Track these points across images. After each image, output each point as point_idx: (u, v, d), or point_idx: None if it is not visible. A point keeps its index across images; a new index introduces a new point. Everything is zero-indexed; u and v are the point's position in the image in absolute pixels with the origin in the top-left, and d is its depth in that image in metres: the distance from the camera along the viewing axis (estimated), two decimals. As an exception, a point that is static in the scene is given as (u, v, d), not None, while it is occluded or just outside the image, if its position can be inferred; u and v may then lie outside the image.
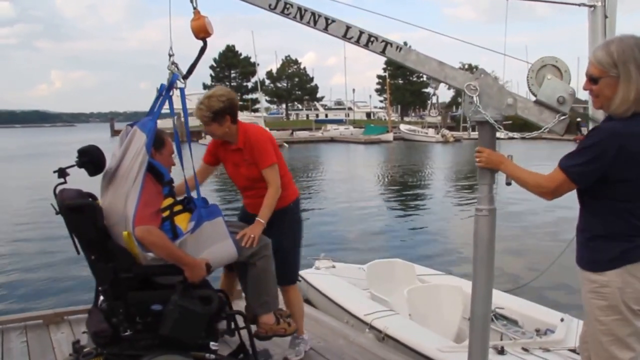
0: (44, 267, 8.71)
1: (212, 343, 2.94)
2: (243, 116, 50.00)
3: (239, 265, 3.20)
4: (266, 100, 78.15)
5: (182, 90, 2.94)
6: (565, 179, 2.18)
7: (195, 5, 2.90)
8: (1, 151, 40.29)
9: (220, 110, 3.29)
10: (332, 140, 51.33)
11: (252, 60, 64.70)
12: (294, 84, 76.83)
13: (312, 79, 79.00)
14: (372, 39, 2.69)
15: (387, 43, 2.68)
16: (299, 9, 2.72)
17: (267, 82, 76.30)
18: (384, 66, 64.66)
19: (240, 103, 69.31)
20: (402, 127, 52.90)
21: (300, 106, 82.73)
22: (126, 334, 2.83)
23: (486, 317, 2.72)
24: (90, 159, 2.88)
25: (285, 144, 42.51)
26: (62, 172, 2.89)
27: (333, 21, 2.70)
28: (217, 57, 69.10)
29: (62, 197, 2.82)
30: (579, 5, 3.38)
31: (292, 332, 3.32)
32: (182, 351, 2.83)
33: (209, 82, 69.12)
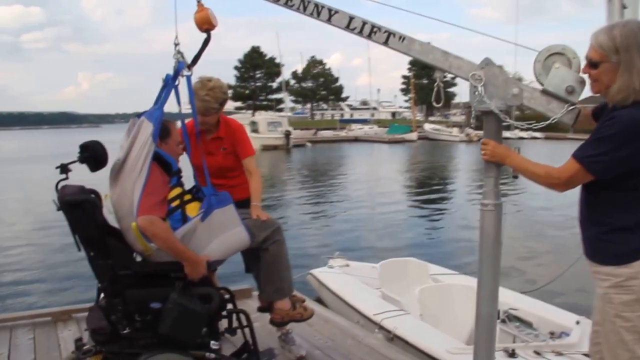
0: (58, 264, 8.82)
1: (212, 342, 2.89)
2: (267, 115, 50.36)
3: (251, 253, 3.15)
4: (291, 100, 78.61)
5: (188, 78, 2.94)
6: (579, 169, 2.07)
7: None
8: (29, 152, 41.26)
9: (223, 101, 3.39)
10: (356, 139, 51.17)
11: (277, 60, 65.17)
12: (319, 84, 76.90)
13: (337, 79, 78.97)
14: (375, 29, 2.61)
15: (390, 33, 2.59)
16: (302, 0, 2.67)
17: (293, 82, 76.56)
18: (409, 66, 64.32)
19: (265, 103, 69.94)
20: (427, 126, 52.51)
21: (325, 106, 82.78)
22: (125, 332, 2.80)
23: (492, 317, 2.60)
24: (91, 154, 2.87)
25: (308, 143, 42.59)
26: (64, 168, 2.89)
27: (336, 12, 2.64)
28: (242, 58, 69.62)
29: (62, 193, 2.81)
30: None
31: (308, 317, 3.28)
32: (181, 350, 2.79)
33: (233, 82, 69.79)
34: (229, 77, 71.07)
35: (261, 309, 3.15)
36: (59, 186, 2.85)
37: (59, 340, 3.81)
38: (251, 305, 4.49)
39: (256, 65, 68.66)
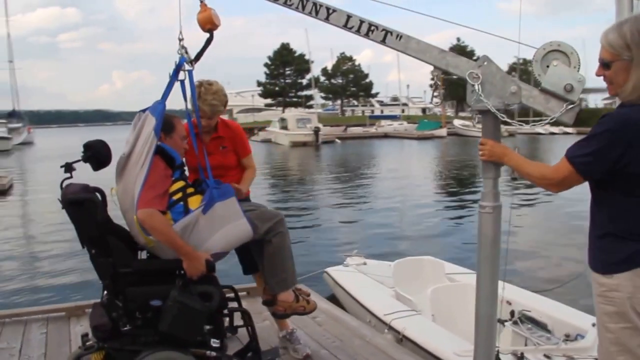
0: (76, 259, 8.97)
1: (213, 340, 2.91)
2: (296, 112, 50.49)
3: (256, 245, 3.15)
4: (321, 97, 78.50)
5: (190, 73, 2.97)
6: (571, 170, 1.99)
7: None
8: (66, 149, 42.23)
9: (226, 103, 3.46)
10: (386, 135, 50.88)
11: (307, 57, 65.22)
12: (349, 81, 76.60)
13: (366, 76, 78.41)
14: (372, 27, 2.59)
15: (387, 32, 2.56)
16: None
17: (322, 78, 76.49)
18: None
19: (295, 99, 70.13)
20: (456, 122, 51.81)
21: (356, 102, 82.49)
22: (125, 329, 2.84)
23: (491, 319, 2.56)
24: (93, 154, 2.92)
25: (338, 140, 42.48)
26: (68, 167, 2.95)
27: (334, 11, 2.63)
28: (271, 55, 69.88)
29: (65, 191, 2.86)
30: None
31: (311, 310, 3.26)
32: (181, 348, 2.81)
33: (263, 79, 70.11)
34: (259, 74, 71.51)
35: (265, 302, 3.16)
36: (64, 185, 2.92)
37: (70, 336, 3.88)
38: (257, 304, 4.52)
39: (286, 62, 68.84)
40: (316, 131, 39.21)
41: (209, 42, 2.99)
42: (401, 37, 2.55)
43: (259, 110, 70.74)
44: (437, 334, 3.97)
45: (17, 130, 48.05)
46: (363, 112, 76.95)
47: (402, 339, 4.01)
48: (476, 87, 2.39)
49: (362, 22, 2.59)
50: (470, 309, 4.40)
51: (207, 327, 2.94)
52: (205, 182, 3.00)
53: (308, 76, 68.02)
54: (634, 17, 1.96)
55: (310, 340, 3.86)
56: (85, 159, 2.91)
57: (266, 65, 70.22)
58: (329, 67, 76.09)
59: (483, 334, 2.56)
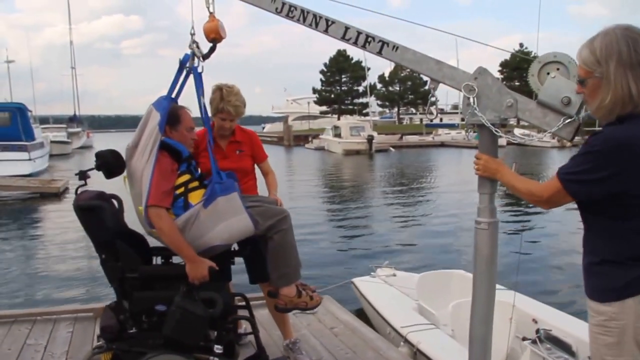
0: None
1: (216, 346, 2.95)
2: (351, 120, 50.46)
3: (261, 240, 3.16)
4: (377, 104, 78.04)
5: (194, 69, 3.03)
6: (560, 187, 1.89)
7: (212, 10, 3.01)
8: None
9: (245, 104, 3.53)
10: (442, 144, 49.99)
11: (363, 64, 65.02)
12: (406, 88, 75.92)
13: (425, 83, 77.22)
14: (369, 39, 2.59)
15: (383, 43, 2.56)
16: (302, 11, 2.71)
17: (379, 86, 76.10)
18: (499, 68, 61.97)
19: (350, 107, 70.06)
20: (517, 131, 50.25)
21: (414, 110, 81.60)
22: (132, 331, 2.93)
23: (486, 340, 2.49)
24: (103, 163, 3.03)
25: (392, 149, 42.07)
26: (82, 175, 3.09)
27: (333, 22, 2.66)
28: (327, 62, 70.18)
29: (78, 197, 2.99)
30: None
31: (313, 306, 3.22)
32: (184, 352, 2.87)
33: (318, 86, 70.39)
34: (315, 81, 71.91)
35: (270, 294, 3.18)
36: (78, 191, 3.05)
37: (94, 335, 4.02)
38: (270, 314, 4.55)
39: (342, 69, 68.91)
40: (370, 139, 39.01)
41: (211, 50, 3.07)
42: (397, 48, 2.53)
43: (315, 117, 71.10)
44: (453, 349, 3.86)
45: (77, 135, 50.16)
46: (421, 120, 76.00)
47: (416, 353, 3.93)
48: (471, 99, 2.33)
49: (359, 33, 2.60)
50: (494, 326, 4.28)
51: (214, 332, 3.01)
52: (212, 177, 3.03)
53: (364, 83, 67.87)
54: (604, 31, 1.85)
55: (324, 350, 3.86)
56: (97, 167, 3.04)
57: (322, 72, 70.53)
58: (386, 74, 75.76)
59: (477, 356, 2.49)
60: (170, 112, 2.97)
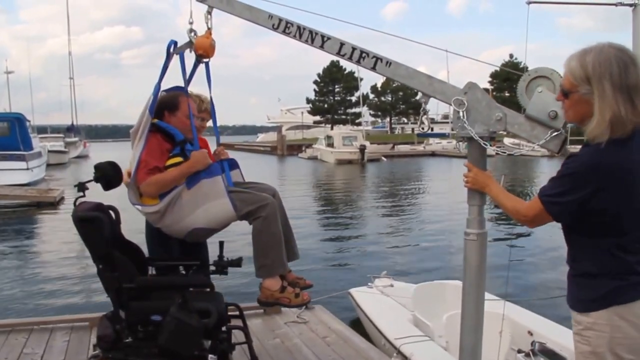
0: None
1: (210, 356, 2.98)
2: (342, 130, 50.62)
3: None
4: (370, 114, 78.40)
5: (181, 54, 3.04)
6: (541, 208, 1.95)
7: (210, 25, 3.04)
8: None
9: None
10: (433, 154, 50.24)
11: (356, 75, 65.35)
12: (398, 98, 76.30)
13: (416, 93, 77.05)
14: (363, 54, 2.66)
15: (377, 59, 2.62)
16: (298, 27, 2.77)
17: (372, 96, 76.47)
18: (490, 79, 62.45)
19: (343, 117, 70.33)
20: (506, 140, 50.58)
21: (405, 120, 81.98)
22: (127, 340, 2.96)
23: (476, 350, 2.53)
24: (101, 175, 3.08)
25: (384, 158, 42.23)
26: (81, 187, 3.12)
27: (328, 39, 2.72)
28: (320, 73, 70.54)
29: (76, 209, 3.03)
30: (616, 5, 3.07)
31: (296, 304, 3.10)
32: (177, 362, 2.90)
33: (312, 96, 70.72)
34: (308, 91, 72.24)
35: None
36: (77, 203, 3.09)
37: (89, 345, 4.04)
38: (270, 322, 4.58)
39: (335, 79, 69.34)
40: (362, 149, 39.17)
41: (195, 66, 3.13)
42: (390, 63, 2.60)
43: (308, 127, 71.37)
44: (445, 361, 3.90)
45: (74, 144, 50.12)
46: (413, 129, 76.34)
47: (409, 365, 3.96)
48: (461, 113, 2.40)
49: (354, 49, 2.66)
50: (489, 338, 4.30)
51: (208, 342, 3.05)
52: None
53: (357, 93, 68.18)
54: (599, 46, 1.84)
55: (316, 359, 3.89)
56: (96, 179, 3.08)
57: (315, 82, 70.98)
58: (379, 85, 76.10)
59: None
60: (170, 98, 3.09)
